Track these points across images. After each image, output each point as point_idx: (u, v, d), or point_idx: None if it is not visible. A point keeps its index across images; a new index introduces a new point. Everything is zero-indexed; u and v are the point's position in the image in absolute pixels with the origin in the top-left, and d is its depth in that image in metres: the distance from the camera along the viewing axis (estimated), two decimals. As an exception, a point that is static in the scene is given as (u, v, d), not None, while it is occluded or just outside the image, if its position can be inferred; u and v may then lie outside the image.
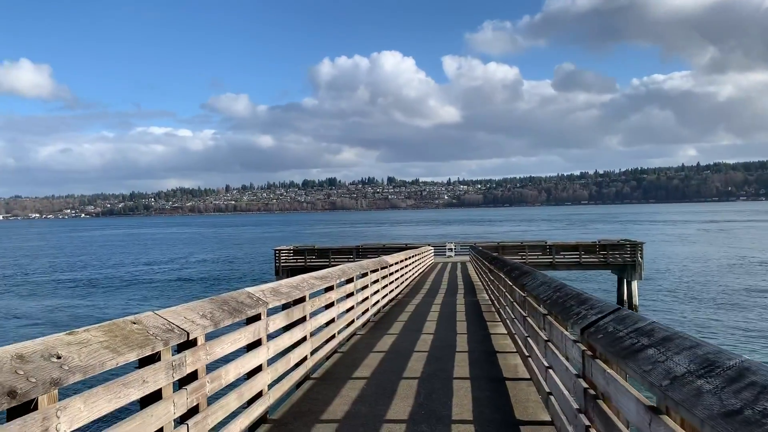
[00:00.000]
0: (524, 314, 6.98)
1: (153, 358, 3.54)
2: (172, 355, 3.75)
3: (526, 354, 6.92)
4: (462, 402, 5.94)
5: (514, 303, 8.21)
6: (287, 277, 33.77)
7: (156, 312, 3.90)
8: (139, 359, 3.39)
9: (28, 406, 2.52)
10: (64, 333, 3.04)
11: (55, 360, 2.75)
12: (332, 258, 34.26)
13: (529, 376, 6.83)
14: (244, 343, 4.99)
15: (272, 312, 5.79)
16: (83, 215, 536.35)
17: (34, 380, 2.51)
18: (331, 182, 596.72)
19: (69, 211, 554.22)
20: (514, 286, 8.19)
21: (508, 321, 9.55)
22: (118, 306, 34.29)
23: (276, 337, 5.97)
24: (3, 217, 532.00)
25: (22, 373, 2.50)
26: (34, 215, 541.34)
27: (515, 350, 8.47)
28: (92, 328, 3.23)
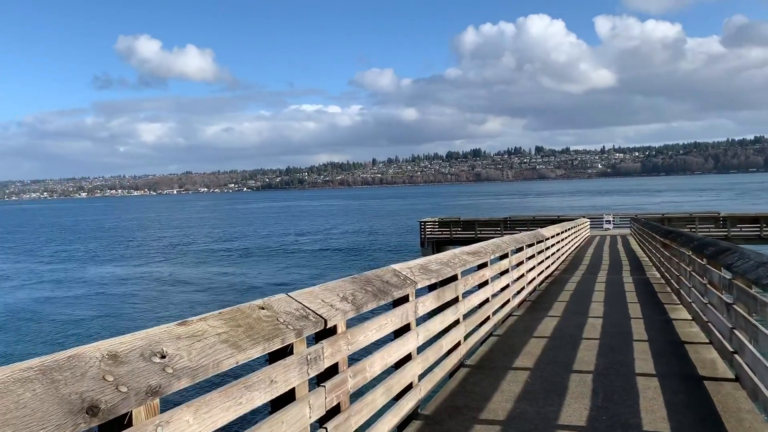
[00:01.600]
0: (728, 301, 5.67)
1: (283, 352, 2.94)
2: (307, 346, 3.14)
3: (731, 349, 5.62)
4: (652, 407, 4.86)
5: (708, 286, 6.83)
6: (432, 249, 33.41)
7: (289, 294, 3.31)
8: (265, 354, 2.80)
9: (121, 422, 1.98)
10: (175, 323, 2.49)
11: (158, 360, 2.18)
12: (478, 230, 33.24)
13: (734, 377, 5.55)
14: (390, 329, 4.32)
15: (421, 292, 5.08)
16: (245, 189, 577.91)
17: (125, 389, 1.94)
18: (476, 153, 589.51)
19: (232, 185, 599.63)
20: (708, 266, 6.80)
21: (695, 305, 8.11)
22: (268, 273, 35.88)
23: (426, 320, 5.25)
24: (176, 191, 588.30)
25: (111, 379, 1.93)
26: (202, 189, 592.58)
27: (708, 341, 7.10)
28: (210, 315, 2.67)
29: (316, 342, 3.28)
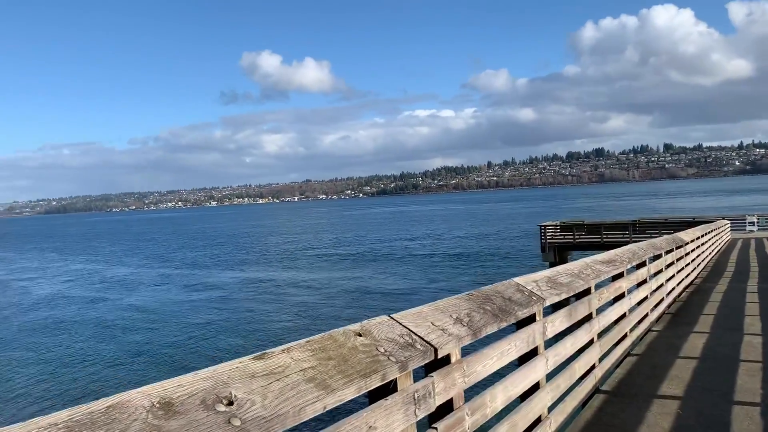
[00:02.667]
0: None
1: (384, 390, 2.42)
2: (413, 382, 2.60)
3: None
4: None
5: None
6: (554, 254, 31.80)
7: (392, 317, 2.78)
8: (362, 394, 2.30)
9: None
10: (251, 357, 2.04)
11: (223, 408, 1.72)
12: (604, 234, 31.23)
13: None
14: (514, 355, 3.68)
15: (549, 310, 4.38)
16: (361, 195, 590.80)
17: (172, 455, 1.50)
18: (599, 153, 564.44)
19: (349, 191, 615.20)
20: None
21: None
22: (377, 278, 35.84)
23: (555, 343, 4.54)
24: (297, 198, 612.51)
25: (157, 439, 1.50)
26: (321, 196, 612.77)
27: None
28: (295, 345, 2.19)
29: (426, 375, 2.74)
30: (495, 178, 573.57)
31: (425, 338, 2.71)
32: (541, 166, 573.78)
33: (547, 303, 4.22)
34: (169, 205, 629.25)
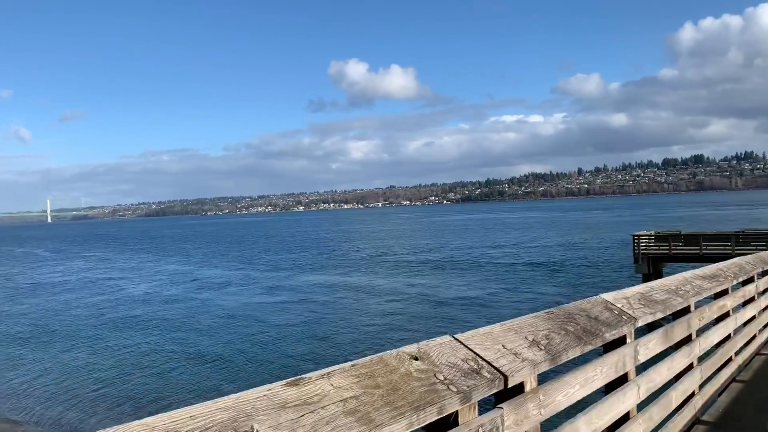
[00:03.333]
0: None
1: (442, 426, 2.09)
2: (478, 414, 2.25)
3: None
4: None
5: None
6: (648, 266, 30.10)
7: (456, 337, 2.45)
8: (413, 431, 1.98)
9: None
10: (285, 382, 1.77)
11: (239, 448, 1.46)
12: (703, 246, 29.25)
13: None
14: (600, 382, 3.24)
15: (641, 331, 3.89)
16: (445, 202, 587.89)
17: None
18: (697, 159, 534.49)
19: (433, 198, 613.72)
20: None
21: None
22: (454, 286, 35.16)
23: (648, 368, 4.03)
24: (381, 204, 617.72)
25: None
26: (405, 202, 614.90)
27: None
28: (338, 369, 1.90)
29: (495, 406, 2.38)
30: (585, 186, 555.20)
31: (494, 363, 2.35)
32: (634, 173, 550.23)
33: (640, 323, 3.74)
34: (260, 209, 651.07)
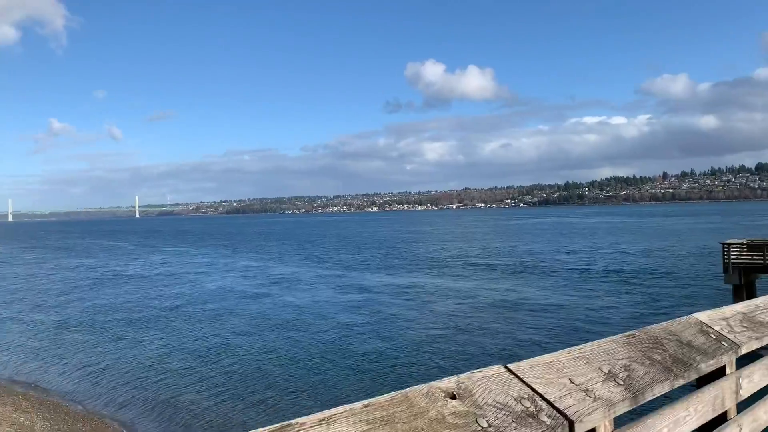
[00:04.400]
0: None
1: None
2: (536, 466, 1.75)
3: None
4: None
5: None
6: (739, 276, 28.01)
7: (509, 367, 1.94)
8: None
9: None
10: (269, 429, 1.35)
11: None
12: (803, 257, 26.93)
13: None
14: (693, 424, 2.62)
15: (743, 360, 3.24)
16: (521, 205, 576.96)
17: None
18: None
19: (509, 201, 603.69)
20: None
21: None
22: (521, 291, 33.95)
23: (752, 405, 3.36)
24: (455, 206, 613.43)
25: None
26: (480, 205, 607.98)
27: None
28: (343, 413, 1.44)
29: (557, 456, 1.87)
30: (671, 190, 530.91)
31: (557, 404, 1.84)
32: (725, 178, 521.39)
33: (743, 350, 3.10)
34: (335, 209, 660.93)
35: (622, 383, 2.15)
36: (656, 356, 2.47)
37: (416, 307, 30.99)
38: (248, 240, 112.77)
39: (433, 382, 1.69)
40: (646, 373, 2.30)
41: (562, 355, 2.13)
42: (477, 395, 1.70)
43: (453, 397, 1.66)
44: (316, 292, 37.91)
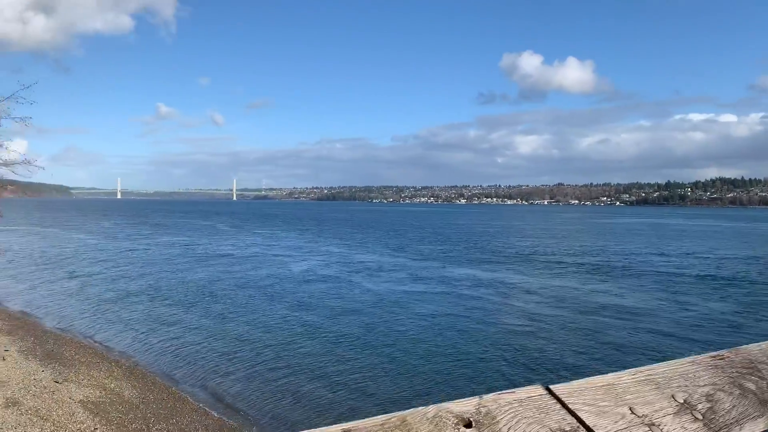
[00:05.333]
0: None
1: None
2: None
3: None
4: None
5: None
6: None
7: (552, 389, 1.54)
8: None
9: None
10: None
11: None
12: None
13: None
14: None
15: None
16: (617, 203, 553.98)
17: None
18: None
19: (605, 198, 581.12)
20: None
21: None
22: (602, 292, 32.21)
23: None
24: (547, 202, 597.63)
25: None
26: (573, 201, 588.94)
27: None
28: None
29: None
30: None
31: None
32: None
33: None
34: (422, 199, 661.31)
35: (701, 417, 1.71)
36: (749, 384, 1.99)
37: (493, 303, 30.30)
38: (335, 226, 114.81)
39: (444, 404, 1.33)
40: (734, 406, 1.83)
41: (624, 377, 1.71)
42: (501, 424, 1.34)
43: (468, 425, 1.30)
44: (395, 280, 37.91)
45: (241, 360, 20.06)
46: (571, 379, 1.60)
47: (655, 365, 1.84)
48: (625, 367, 1.78)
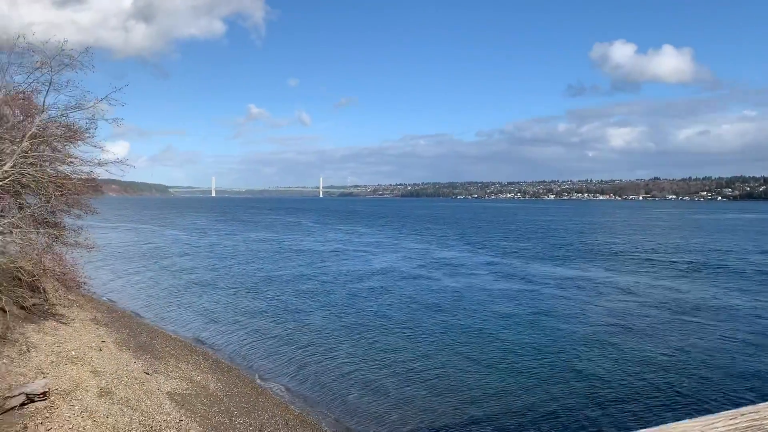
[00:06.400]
0: None
1: None
2: None
3: None
4: None
5: None
6: None
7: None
8: None
9: None
10: None
11: None
12: None
13: None
14: None
15: None
16: (719, 198, 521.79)
17: None
18: None
19: (705, 193, 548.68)
20: None
21: None
22: (696, 293, 29.95)
23: None
24: (642, 197, 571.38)
25: None
26: (670, 196, 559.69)
27: None
28: None
29: None
30: None
31: None
32: None
33: None
34: (509, 195, 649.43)
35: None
36: None
37: (575, 304, 28.86)
38: (418, 222, 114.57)
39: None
40: None
41: (719, 421, 1.28)
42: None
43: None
44: (474, 277, 37.22)
45: (320, 355, 20.16)
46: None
47: (762, 405, 1.40)
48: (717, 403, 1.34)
